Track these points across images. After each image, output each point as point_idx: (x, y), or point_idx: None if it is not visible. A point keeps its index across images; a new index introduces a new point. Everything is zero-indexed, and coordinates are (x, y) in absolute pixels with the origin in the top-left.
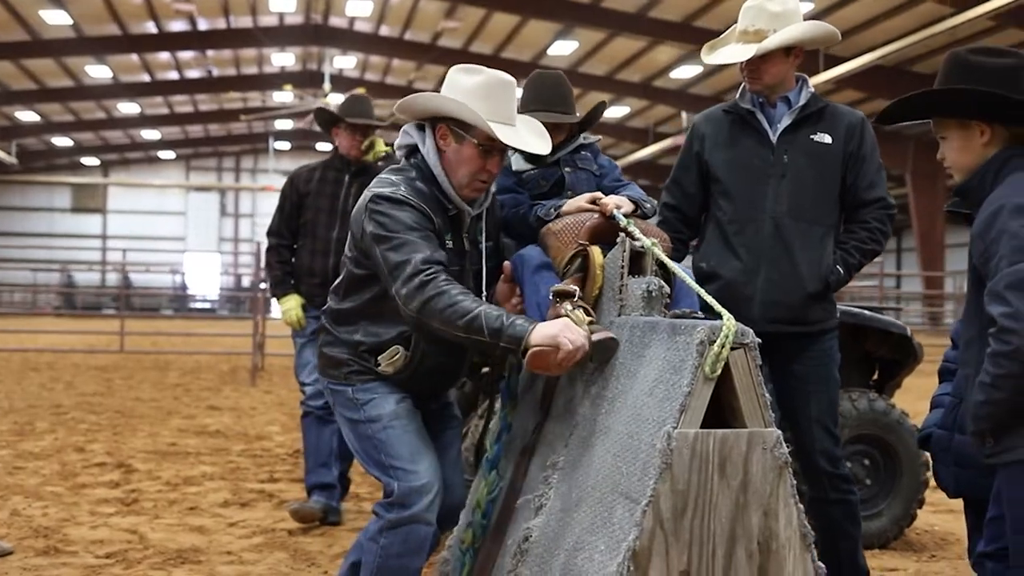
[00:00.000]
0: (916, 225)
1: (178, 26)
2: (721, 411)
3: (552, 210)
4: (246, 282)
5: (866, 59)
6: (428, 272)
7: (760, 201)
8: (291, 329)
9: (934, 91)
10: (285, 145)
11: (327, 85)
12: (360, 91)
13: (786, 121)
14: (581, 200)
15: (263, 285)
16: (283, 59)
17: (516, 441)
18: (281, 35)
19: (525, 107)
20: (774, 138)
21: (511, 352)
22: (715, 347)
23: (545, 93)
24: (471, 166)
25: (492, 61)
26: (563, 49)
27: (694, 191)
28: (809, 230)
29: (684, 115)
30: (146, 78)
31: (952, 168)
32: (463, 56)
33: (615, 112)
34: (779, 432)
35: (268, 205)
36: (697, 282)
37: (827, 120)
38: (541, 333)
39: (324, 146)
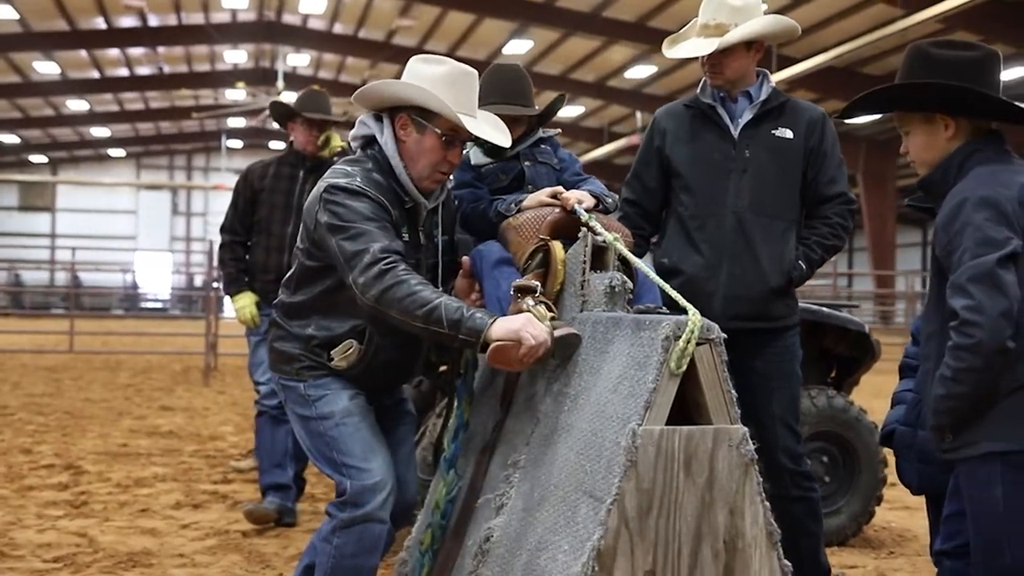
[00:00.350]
0: (868, 225)
1: (128, 22)
2: (686, 408)
3: (513, 205)
4: (198, 281)
5: (818, 60)
6: (387, 261)
7: (721, 196)
8: (245, 327)
9: (897, 85)
10: (238, 143)
11: (280, 83)
12: (316, 88)
13: (747, 116)
14: (542, 195)
15: (216, 284)
16: (236, 56)
17: (476, 439)
18: (233, 32)
19: (483, 100)
20: (735, 133)
21: (470, 346)
22: (680, 343)
23: (504, 86)
24: (432, 156)
25: None
26: (518, 48)
27: (655, 186)
28: (771, 225)
29: (639, 115)
30: (95, 75)
31: (916, 163)
32: (417, 55)
33: (570, 112)
34: (745, 429)
35: (220, 204)
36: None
37: (788, 115)
38: (502, 327)
39: (277, 144)
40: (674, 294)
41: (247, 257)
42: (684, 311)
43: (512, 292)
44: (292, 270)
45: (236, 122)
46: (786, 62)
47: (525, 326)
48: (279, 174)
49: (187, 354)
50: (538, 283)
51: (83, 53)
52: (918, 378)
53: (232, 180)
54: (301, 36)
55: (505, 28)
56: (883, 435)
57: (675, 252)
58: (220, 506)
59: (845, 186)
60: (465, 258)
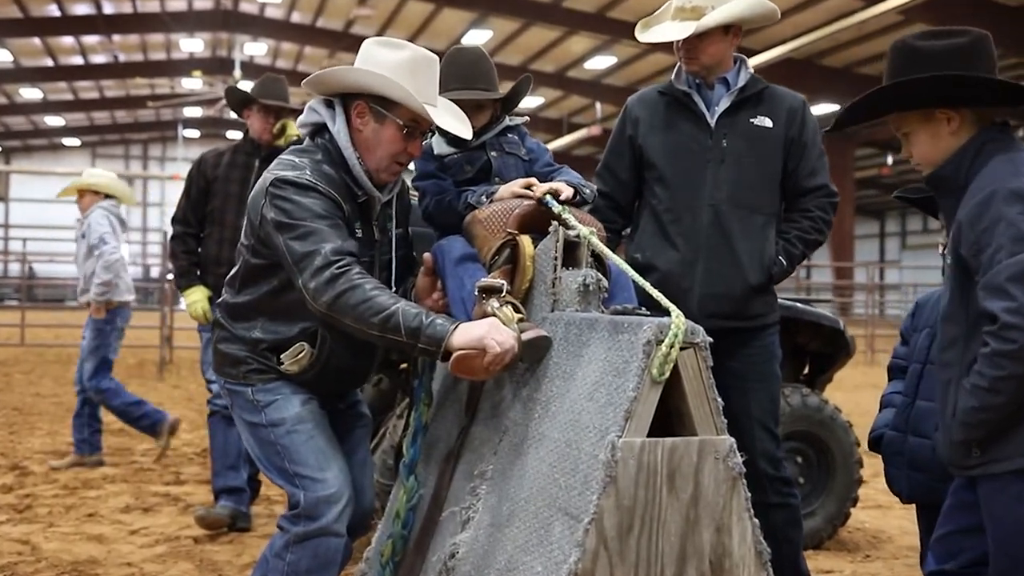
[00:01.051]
0: None
1: (82, 9)
2: (668, 417)
3: (484, 197)
4: (155, 272)
5: (776, 52)
6: (339, 264)
7: (698, 188)
8: (197, 323)
9: (888, 87)
10: (194, 133)
11: (237, 72)
12: (273, 75)
13: (725, 103)
14: (515, 186)
15: (171, 276)
16: (192, 45)
17: (439, 445)
18: (190, 20)
19: (444, 85)
20: (712, 121)
21: (430, 355)
22: (663, 347)
23: (464, 70)
24: (392, 148)
25: None
26: (477, 38)
27: (627, 178)
28: (750, 218)
29: (599, 105)
30: (49, 63)
31: (920, 164)
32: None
33: (529, 103)
34: (732, 440)
35: (177, 194)
36: None
37: (767, 103)
38: (465, 335)
39: (235, 133)
40: (656, 294)
41: (199, 250)
42: (665, 312)
43: (476, 293)
44: (236, 268)
45: (192, 111)
46: (744, 54)
47: (490, 332)
48: (234, 163)
49: (142, 347)
50: (504, 282)
51: (36, 40)
52: (907, 380)
53: (188, 170)
54: (258, 25)
55: (464, 18)
56: (871, 440)
57: (648, 247)
58: (171, 509)
59: (827, 178)
60: (427, 255)
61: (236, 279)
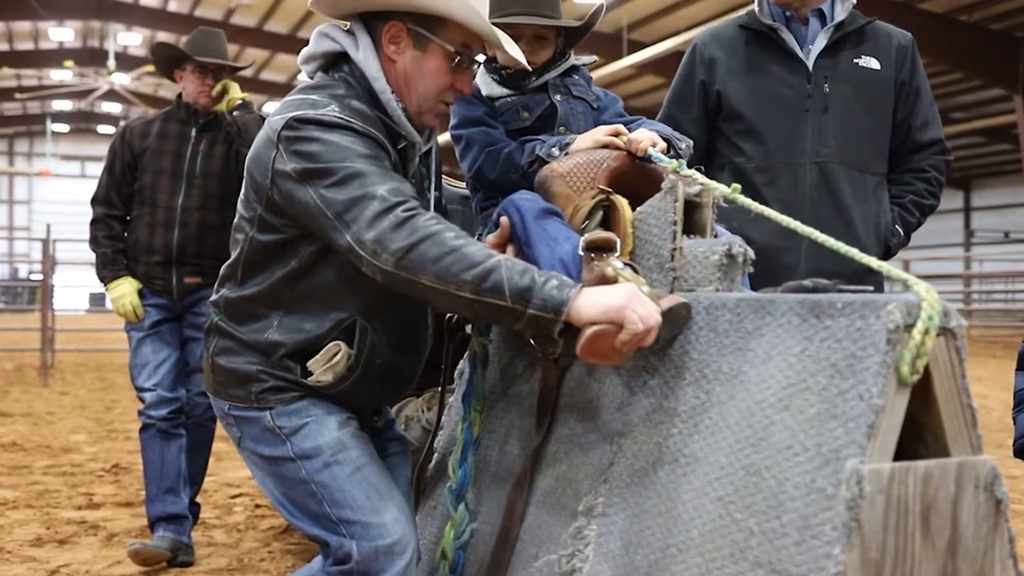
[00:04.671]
0: None
1: None
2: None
3: (556, 149)
4: (23, 272)
5: (668, 45)
6: (406, 207)
7: (798, 142)
8: (125, 321)
9: None
10: (64, 127)
11: (112, 63)
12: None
13: (821, 41)
14: (598, 133)
15: (50, 278)
16: (62, 34)
17: (492, 464)
18: (60, 8)
19: (498, 9)
20: (809, 62)
21: (543, 327)
22: (915, 334)
23: None
24: (437, 82)
25: (288, 41)
26: None
27: (694, 132)
28: (861, 179)
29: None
30: None
31: None
32: (257, 35)
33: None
34: (993, 462)
35: (46, 191)
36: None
37: (871, 40)
38: (596, 302)
39: (107, 128)
40: (895, 272)
41: (126, 235)
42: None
43: (582, 251)
44: (234, 255)
45: (62, 104)
46: (635, 47)
47: (630, 301)
48: (165, 132)
49: (17, 351)
50: (617, 237)
51: None
52: None
53: (58, 166)
54: (133, 13)
55: None
56: (1017, 447)
57: (736, 215)
58: (92, 541)
59: (940, 131)
60: (503, 218)
61: (237, 268)
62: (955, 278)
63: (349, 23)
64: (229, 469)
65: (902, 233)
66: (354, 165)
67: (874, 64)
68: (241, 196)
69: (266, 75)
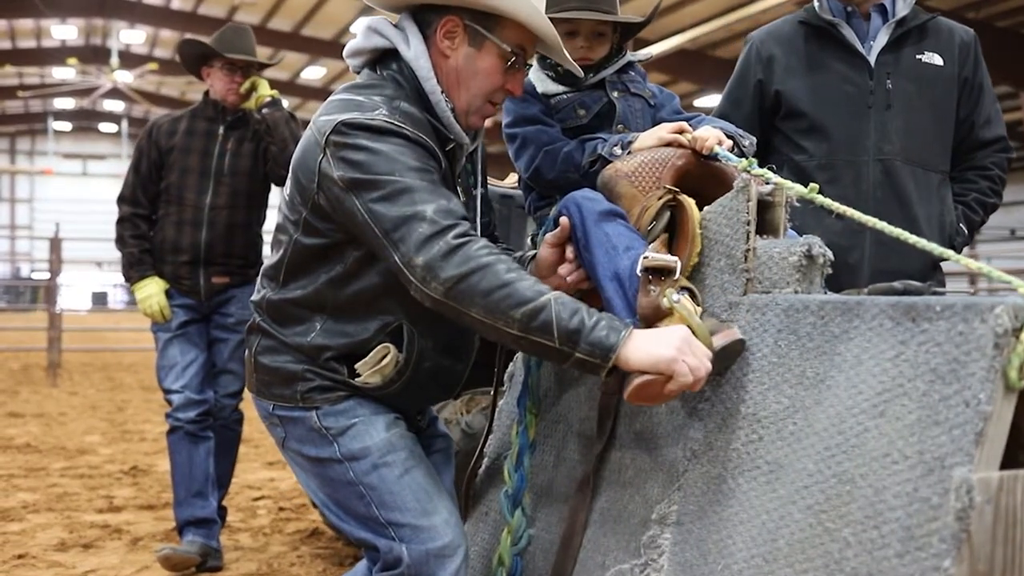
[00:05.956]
0: None
1: None
2: None
3: (618, 147)
4: (25, 271)
5: (671, 43)
6: (456, 232)
7: (861, 139)
8: (151, 322)
9: None
10: (66, 125)
11: (115, 60)
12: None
13: (883, 37)
14: (662, 131)
15: (58, 277)
16: (64, 32)
17: (548, 468)
18: (63, 5)
19: (555, 3)
20: (871, 58)
21: (591, 369)
22: None
23: None
24: (488, 82)
25: (291, 39)
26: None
27: (749, 130)
28: (925, 177)
29: None
30: None
31: None
32: (260, 32)
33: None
34: None
35: (48, 190)
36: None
37: (934, 36)
38: (646, 351)
39: (109, 127)
40: (997, 273)
41: (152, 234)
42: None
43: (640, 272)
44: (278, 255)
45: (64, 103)
46: (639, 44)
47: (680, 352)
48: (193, 130)
49: (23, 350)
50: (678, 259)
51: None
52: None
53: (60, 164)
54: (136, 11)
55: (352, 6)
56: None
57: (798, 214)
58: (117, 544)
59: (1003, 128)
60: (563, 218)
61: (280, 269)
62: (960, 276)
63: (398, 17)
64: (249, 471)
65: (966, 232)
66: (403, 179)
67: (937, 60)
68: (285, 197)
69: (269, 72)
